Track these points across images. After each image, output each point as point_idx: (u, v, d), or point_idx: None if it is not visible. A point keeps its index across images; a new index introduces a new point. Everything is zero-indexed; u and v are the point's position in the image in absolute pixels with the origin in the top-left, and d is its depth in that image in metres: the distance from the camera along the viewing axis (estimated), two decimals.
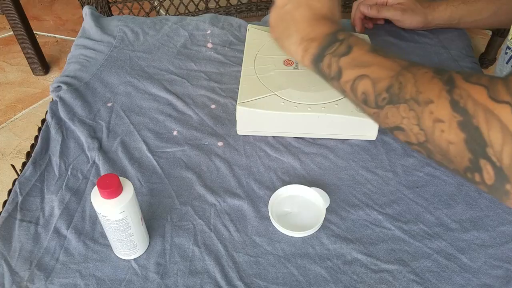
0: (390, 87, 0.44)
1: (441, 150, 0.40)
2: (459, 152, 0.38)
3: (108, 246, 0.56)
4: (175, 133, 0.72)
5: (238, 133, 0.72)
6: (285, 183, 0.65)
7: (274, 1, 0.57)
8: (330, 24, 0.54)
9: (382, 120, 0.46)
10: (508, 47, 0.78)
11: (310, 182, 0.65)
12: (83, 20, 0.96)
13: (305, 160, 0.68)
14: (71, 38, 1.80)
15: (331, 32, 0.52)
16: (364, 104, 0.47)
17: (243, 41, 0.83)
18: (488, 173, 0.37)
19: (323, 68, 0.52)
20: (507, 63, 0.79)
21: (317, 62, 0.52)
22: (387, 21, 0.93)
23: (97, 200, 0.49)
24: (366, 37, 0.82)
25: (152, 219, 0.60)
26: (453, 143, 0.38)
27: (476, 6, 0.85)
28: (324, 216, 0.59)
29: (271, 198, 0.61)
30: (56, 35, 1.83)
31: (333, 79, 0.51)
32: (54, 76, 1.61)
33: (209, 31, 0.93)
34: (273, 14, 0.57)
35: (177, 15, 1.08)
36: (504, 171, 0.35)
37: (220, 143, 0.71)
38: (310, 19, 0.54)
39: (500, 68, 0.82)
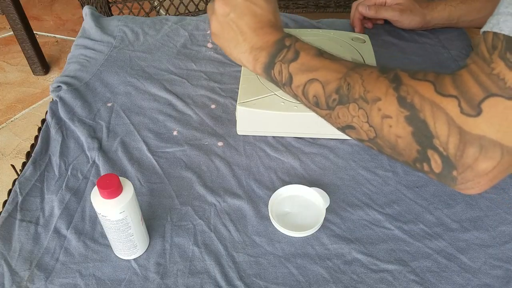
0: (339, 89, 0.45)
1: (390, 144, 0.42)
2: (407, 144, 0.40)
3: (108, 246, 0.56)
4: (175, 133, 0.72)
5: (238, 133, 0.72)
6: (285, 183, 0.65)
7: (213, 8, 0.56)
8: (276, 30, 0.54)
9: (334, 121, 0.47)
10: None
11: (310, 182, 0.65)
12: (83, 20, 0.96)
13: (305, 160, 0.68)
14: (71, 38, 1.80)
15: (277, 39, 0.53)
16: (316, 107, 0.49)
17: None
18: (436, 162, 0.39)
19: (275, 75, 0.53)
20: None
21: (268, 70, 0.53)
22: (387, 21, 0.93)
23: (97, 200, 0.49)
24: (366, 37, 0.82)
25: (152, 219, 0.60)
26: (401, 136, 0.40)
27: (474, 5, 0.85)
28: (324, 216, 0.59)
29: (271, 198, 0.61)
30: (56, 35, 1.83)
31: (285, 85, 0.52)
32: (54, 76, 1.61)
33: (209, 31, 0.93)
34: (215, 22, 0.57)
35: (177, 15, 1.08)
36: (451, 160, 0.38)
37: (220, 143, 0.71)
38: (256, 28, 0.54)
39: None
